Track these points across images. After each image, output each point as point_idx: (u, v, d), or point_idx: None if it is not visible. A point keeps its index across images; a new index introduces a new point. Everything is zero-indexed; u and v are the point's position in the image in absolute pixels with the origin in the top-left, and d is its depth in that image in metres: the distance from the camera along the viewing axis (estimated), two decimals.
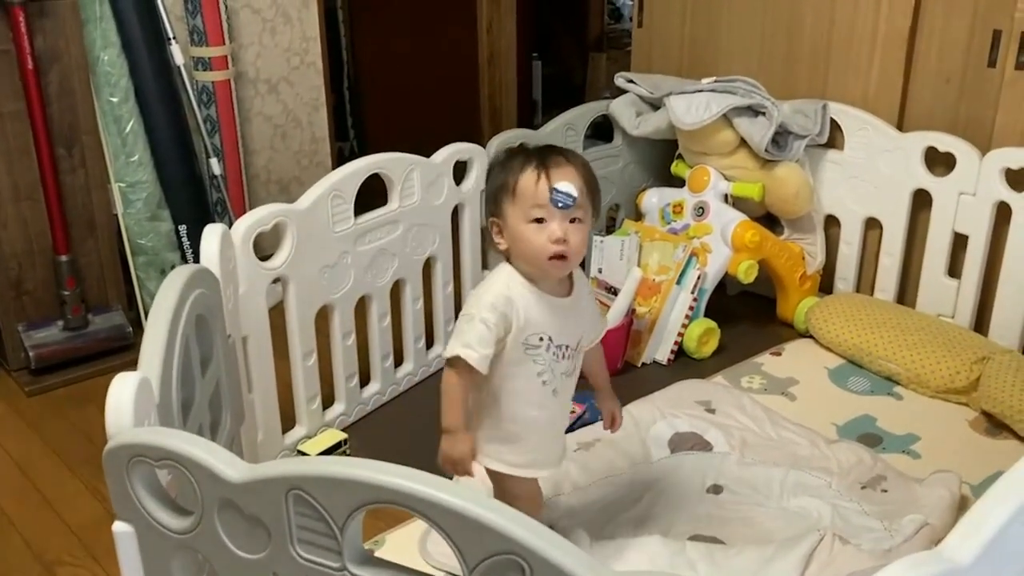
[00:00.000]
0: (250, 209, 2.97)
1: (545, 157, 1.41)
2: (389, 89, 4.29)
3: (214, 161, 2.84)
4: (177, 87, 2.72)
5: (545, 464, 1.57)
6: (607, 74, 5.07)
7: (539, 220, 1.39)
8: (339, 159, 3.43)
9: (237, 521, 1.06)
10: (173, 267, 2.70)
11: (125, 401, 1.15)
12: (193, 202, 2.75)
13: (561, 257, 1.39)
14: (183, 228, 2.71)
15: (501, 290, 1.42)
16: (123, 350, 2.56)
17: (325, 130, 3.31)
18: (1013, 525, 0.93)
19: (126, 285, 2.68)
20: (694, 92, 2.55)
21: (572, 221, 1.39)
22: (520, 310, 1.42)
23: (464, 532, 0.92)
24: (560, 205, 1.37)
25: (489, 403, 1.50)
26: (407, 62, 4.22)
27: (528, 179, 1.39)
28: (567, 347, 1.48)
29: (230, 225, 1.84)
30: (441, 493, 0.92)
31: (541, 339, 1.44)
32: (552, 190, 1.37)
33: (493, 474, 1.57)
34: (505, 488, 1.59)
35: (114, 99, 2.56)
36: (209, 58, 2.80)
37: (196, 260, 2.70)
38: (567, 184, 1.37)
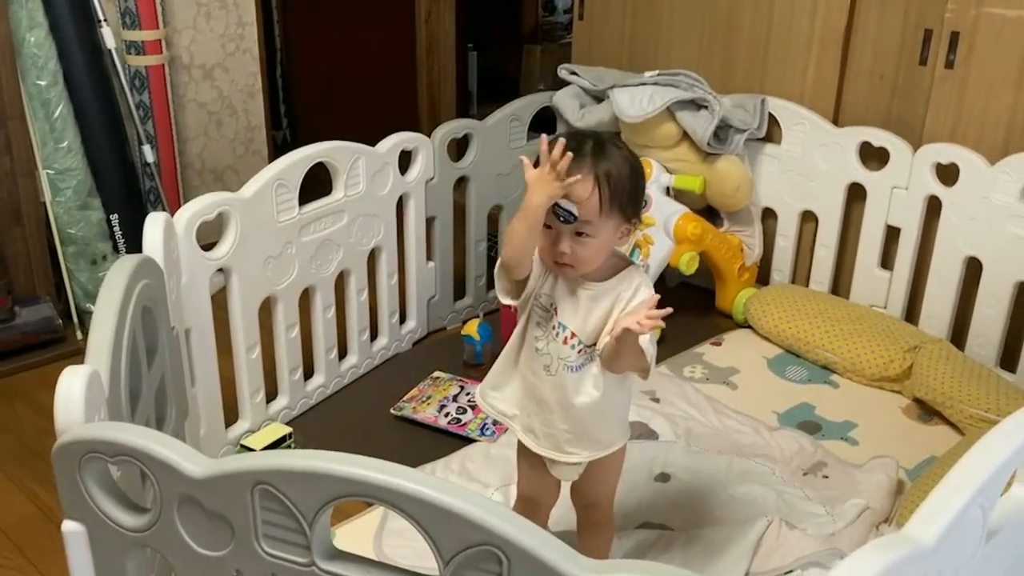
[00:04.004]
0: (184, 198, 2.91)
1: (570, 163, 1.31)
2: (324, 77, 4.22)
3: (147, 148, 2.76)
4: (108, 71, 2.63)
5: (530, 430, 1.48)
6: (541, 66, 5.08)
7: (547, 226, 1.35)
8: (272, 148, 3.36)
9: (198, 517, 1.03)
10: (105, 258, 2.62)
11: (75, 395, 1.10)
12: (125, 191, 2.66)
13: (567, 264, 1.35)
14: (115, 217, 2.63)
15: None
16: (53, 343, 2.46)
17: (261, 118, 3.23)
18: (970, 508, 0.96)
19: (55, 276, 2.57)
20: (637, 85, 2.57)
21: (579, 235, 1.33)
22: (545, 268, 1.40)
23: (439, 524, 0.91)
24: (561, 220, 1.33)
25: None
26: (342, 50, 4.15)
27: None
28: (574, 335, 1.39)
29: None
30: (416, 485, 0.91)
31: (552, 306, 1.40)
32: (555, 204, 1.32)
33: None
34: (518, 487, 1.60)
35: (42, 82, 2.45)
36: (142, 42, 2.71)
37: (129, 250, 2.64)
38: (569, 202, 1.32)
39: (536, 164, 1.31)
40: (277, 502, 0.97)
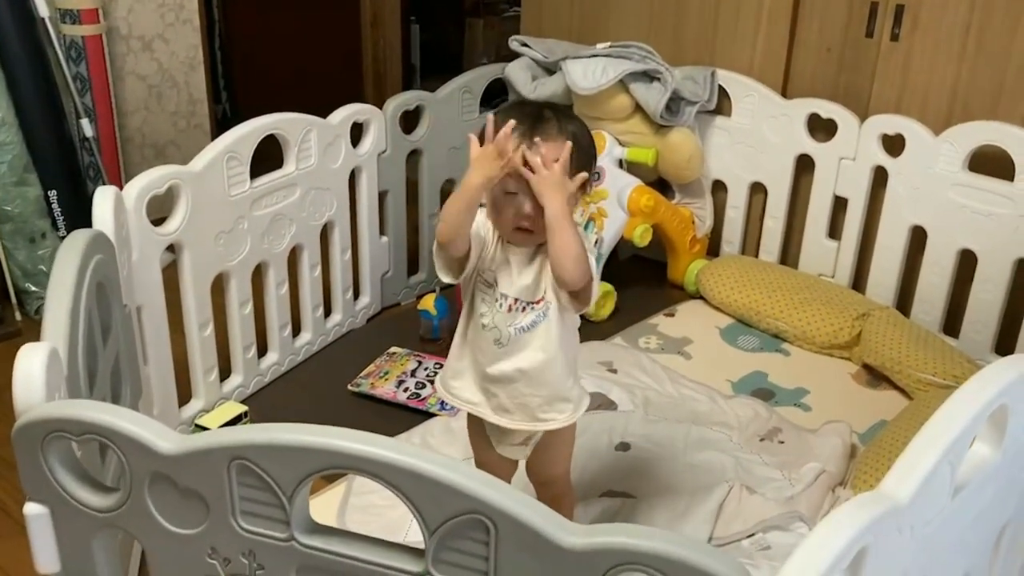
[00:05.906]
0: (125, 174, 2.83)
1: (535, 127, 1.31)
2: (264, 51, 4.12)
3: (85, 122, 2.66)
4: (42, 41, 2.52)
5: (502, 408, 1.44)
6: (484, 40, 5.04)
7: (512, 192, 1.32)
8: (213, 122, 3.28)
9: (170, 495, 1.00)
10: (44, 235, 2.53)
11: (36, 374, 1.06)
12: (64, 166, 2.56)
13: (526, 230, 1.33)
14: (53, 193, 2.53)
15: (482, 219, 1.38)
16: None
17: (203, 91, 3.15)
18: (941, 465, 0.99)
19: None
20: (590, 57, 2.56)
21: None
22: (489, 244, 1.38)
23: (425, 494, 0.90)
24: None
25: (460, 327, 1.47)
26: (283, 23, 4.06)
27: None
28: (517, 300, 1.38)
29: None
30: (401, 455, 0.90)
31: (495, 280, 1.39)
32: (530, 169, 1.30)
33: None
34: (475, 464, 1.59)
35: None
36: (77, 11, 2.61)
37: (69, 228, 2.55)
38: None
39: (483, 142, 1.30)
40: (255, 477, 0.95)
